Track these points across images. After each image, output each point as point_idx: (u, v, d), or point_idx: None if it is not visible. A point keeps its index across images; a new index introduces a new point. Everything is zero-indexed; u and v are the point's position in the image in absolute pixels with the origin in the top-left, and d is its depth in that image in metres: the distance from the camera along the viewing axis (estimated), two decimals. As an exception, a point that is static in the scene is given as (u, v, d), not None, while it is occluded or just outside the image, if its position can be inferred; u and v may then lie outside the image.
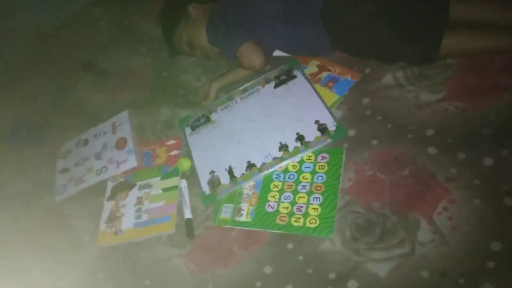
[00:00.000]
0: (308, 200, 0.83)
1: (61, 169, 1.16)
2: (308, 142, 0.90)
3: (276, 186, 0.88)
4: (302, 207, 0.83)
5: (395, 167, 0.81)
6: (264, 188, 0.89)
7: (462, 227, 0.71)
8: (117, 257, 0.95)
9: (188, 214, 0.93)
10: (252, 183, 0.91)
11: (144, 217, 0.97)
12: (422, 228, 0.73)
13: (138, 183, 1.03)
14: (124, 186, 1.04)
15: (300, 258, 0.78)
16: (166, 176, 1.02)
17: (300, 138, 0.91)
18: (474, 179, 0.75)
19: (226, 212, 0.89)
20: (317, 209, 0.81)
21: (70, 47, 1.59)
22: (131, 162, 1.06)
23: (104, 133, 1.17)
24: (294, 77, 1.02)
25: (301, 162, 0.89)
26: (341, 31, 0.97)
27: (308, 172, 0.87)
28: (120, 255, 0.95)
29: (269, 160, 0.91)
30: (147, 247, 0.93)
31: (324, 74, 1.01)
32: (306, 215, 0.81)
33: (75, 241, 1.02)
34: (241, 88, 1.07)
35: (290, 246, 0.80)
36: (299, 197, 0.84)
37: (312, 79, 1.00)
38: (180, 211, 0.95)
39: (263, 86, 1.05)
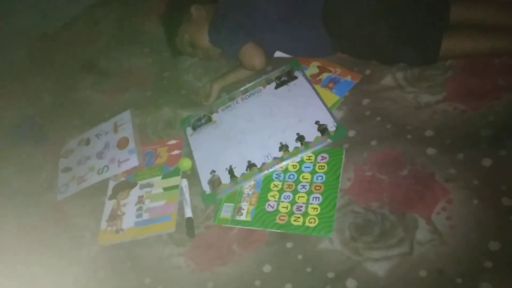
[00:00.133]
0: (308, 199, 0.84)
1: (63, 168, 1.17)
2: (308, 143, 0.91)
3: (276, 186, 0.89)
4: (301, 206, 0.83)
5: (394, 167, 0.82)
6: (264, 187, 0.90)
7: (461, 227, 0.71)
8: (118, 255, 0.95)
9: (188, 213, 0.93)
10: (252, 182, 0.91)
11: (145, 216, 0.97)
12: (421, 227, 0.73)
13: (139, 182, 1.04)
14: (125, 185, 1.05)
15: (299, 257, 0.79)
16: (167, 175, 1.03)
17: (300, 138, 0.92)
18: (472, 179, 0.75)
19: (226, 211, 0.90)
20: (316, 208, 0.82)
21: (73, 47, 1.60)
22: (133, 162, 1.07)
23: (106, 132, 1.18)
24: (295, 78, 1.03)
25: (301, 162, 0.90)
26: (341, 32, 0.98)
27: (308, 172, 0.88)
28: (121, 254, 0.95)
29: (269, 160, 0.92)
30: (147, 245, 0.94)
31: (325, 75, 1.02)
32: (305, 214, 0.82)
33: (76, 240, 1.03)
34: (242, 88, 1.08)
35: (289, 245, 0.81)
36: (299, 196, 0.85)
37: (312, 80, 1.01)
38: (180, 210, 0.96)
39: (264, 87, 1.06)
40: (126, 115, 1.18)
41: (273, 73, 1.07)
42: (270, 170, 0.91)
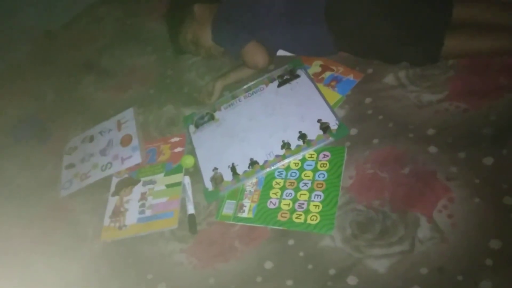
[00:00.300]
0: (310, 197, 0.84)
1: (66, 165, 1.18)
2: (310, 141, 0.91)
3: (278, 183, 0.89)
4: (303, 204, 0.84)
5: (396, 165, 0.82)
6: (266, 185, 0.90)
7: (462, 225, 0.72)
8: (120, 251, 0.96)
9: (191, 210, 0.94)
10: (254, 180, 0.92)
11: (148, 212, 0.98)
12: (422, 225, 0.74)
13: (142, 179, 1.05)
14: (128, 182, 1.06)
15: (301, 254, 0.79)
16: (169, 172, 1.03)
17: (302, 136, 0.92)
18: (474, 178, 0.75)
19: (228, 208, 0.90)
20: (318, 206, 0.82)
21: (75, 45, 1.61)
22: (136, 159, 1.07)
23: (110, 130, 1.18)
24: (298, 76, 1.03)
25: (303, 160, 0.90)
26: (344, 32, 0.98)
27: (309, 170, 0.88)
28: (124, 250, 0.96)
29: (271, 158, 0.92)
30: (150, 242, 0.95)
31: (327, 73, 1.02)
32: (307, 212, 0.83)
33: (79, 236, 1.04)
34: (245, 87, 1.09)
35: (291, 242, 0.81)
36: (301, 194, 0.86)
37: (315, 79, 1.02)
38: (183, 207, 0.96)
39: (266, 85, 1.06)
40: (129, 113, 1.19)
41: (275, 71, 1.07)
42: (272, 167, 0.91)
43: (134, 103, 1.23)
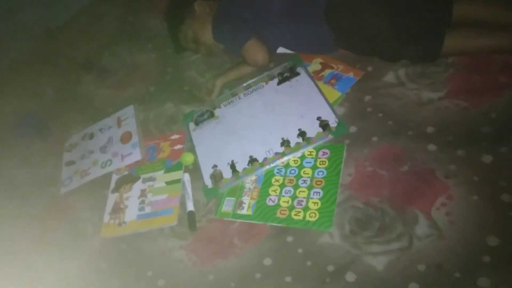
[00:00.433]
0: (309, 194, 0.85)
1: (66, 162, 1.18)
2: (309, 138, 0.91)
3: (277, 181, 0.90)
4: (302, 201, 0.84)
5: (395, 163, 0.82)
6: (266, 182, 0.90)
7: (460, 222, 0.72)
8: (120, 248, 0.96)
9: (190, 207, 0.94)
10: (253, 177, 0.92)
11: (147, 209, 0.99)
12: (420, 223, 0.74)
13: (142, 176, 1.05)
14: (128, 179, 1.06)
15: (300, 251, 0.80)
16: (169, 169, 1.04)
17: (302, 134, 0.93)
18: (472, 175, 0.76)
19: (227, 205, 0.91)
20: (317, 203, 0.83)
21: (76, 42, 1.61)
22: (136, 156, 1.08)
23: (110, 127, 1.19)
24: (297, 74, 1.04)
25: (302, 157, 0.91)
26: (344, 30, 0.98)
27: (309, 167, 0.89)
28: (123, 246, 0.96)
29: (271, 155, 0.93)
30: (149, 238, 0.95)
31: (327, 71, 1.02)
32: (306, 209, 0.83)
33: (79, 232, 1.04)
34: (244, 84, 1.09)
35: (290, 239, 0.82)
36: (300, 191, 0.86)
37: (315, 77, 1.02)
38: (182, 204, 0.96)
39: (266, 83, 1.06)
40: (129, 110, 1.20)
41: (275, 69, 1.07)
42: (272, 165, 0.92)
43: (134, 101, 1.23)
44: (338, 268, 0.75)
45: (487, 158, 0.76)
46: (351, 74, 0.99)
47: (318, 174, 0.87)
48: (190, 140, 1.06)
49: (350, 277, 0.73)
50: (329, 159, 0.88)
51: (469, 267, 0.67)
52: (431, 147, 0.82)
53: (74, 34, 1.66)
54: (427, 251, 0.71)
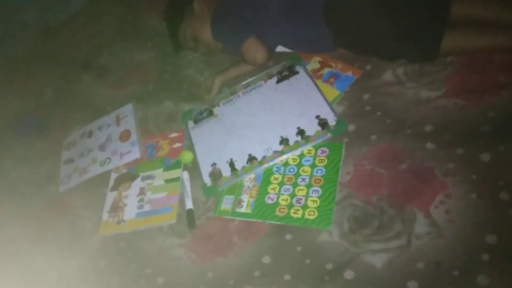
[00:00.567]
0: (307, 192, 0.85)
1: (65, 160, 1.18)
2: (308, 137, 0.92)
3: (276, 179, 0.90)
4: (301, 199, 0.84)
5: (394, 161, 0.82)
6: (265, 180, 0.91)
7: (459, 220, 0.72)
8: (119, 246, 0.96)
9: (189, 205, 0.94)
10: (252, 175, 0.92)
11: (146, 207, 0.98)
12: (419, 221, 0.74)
13: (141, 174, 1.05)
14: (127, 177, 1.06)
15: (298, 249, 0.80)
16: (168, 168, 1.04)
17: (300, 132, 0.93)
18: (471, 174, 0.76)
19: (226, 203, 0.91)
20: (316, 201, 0.83)
21: (75, 41, 1.61)
22: (135, 154, 1.08)
23: (109, 125, 1.19)
24: (296, 72, 1.04)
25: (301, 155, 0.91)
26: (343, 28, 0.98)
27: (308, 166, 0.89)
28: (122, 244, 0.96)
29: (269, 154, 0.93)
30: (148, 236, 0.95)
31: (326, 70, 1.02)
32: (305, 207, 0.83)
33: (78, 230, 1.04)
34: (243, 83, 1.09)
35: (288, 237, 0.82)
36: (299, 189, 0.86)
37: (314, 75, 1.02)
38: (181, 202, 0.96)
39: (265, 81, 1.06)
40: (128, 108, 1.19)
41: (274, 67, 1.08)
42: (271, 163, 0.92)
43: (133, 99, 1.23)
44: (337, 266, 0.75)
45: (486, 157, 0.77)
46: (349, 73, 0.99)
47: (317, 172, 0.87)
48: (189, 138, 1.06)
49: (349, 275, 0.73)
50: (328, 157, 0.88)
51: (468, 265, 0.67)
52: (430, 145, 0.82)
53: (73, 33, 1.66)
54: (426, 249, 0.71)
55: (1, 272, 1.02)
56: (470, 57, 0.90)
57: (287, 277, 0.78)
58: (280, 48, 1.10)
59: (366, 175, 0.83)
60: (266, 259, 0.81)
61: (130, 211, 0.99)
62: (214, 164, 0.97)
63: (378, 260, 0.73)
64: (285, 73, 1.05)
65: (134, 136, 1.11)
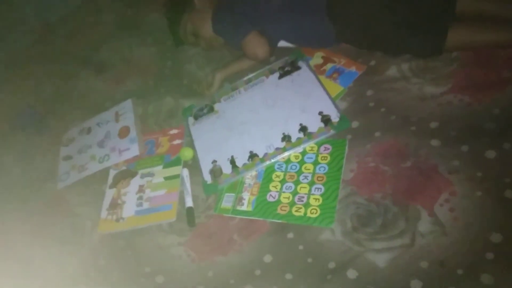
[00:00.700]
0: (310, 190, 0.83)
1: (64, 157, 1.17)
2: (311, 133, 0.90)
3: (278, 176, 0.88)
4: (303, 197, 0.83)
5: (398, 158, 0.81)
6: (266, 178, 0.89)
7: (463, 218, 0.71)
8: (118, 244, 0.95)
9: (189, 203, 0.93)
10: (254, 173, 0.91)
11: (146, 205, 0.97)
12: (423, 219, 0.73)
13: (140, 171, 1.04)
14: (126, 174, 1.05)
15: (300, 247, 0.79)
16: (168, 165, 1.02)
17: (303, 129, 0.91)
18: (476, 171, 0.74)
19: (227, 201, 0.89)
20: (318, 199, 0.82)
21: (75, 36, 1.59)
22: (134, 151, 1.06)
23: (107, 121, 1.17)
24: (299, 68, 1.02)
25: (304, 152, 0.89)
26: (346, 23, 0.97)
27: (310, 163, 0.87)
28: (121, 242, 0.95)
29: (271, 151, 0.91)
30: (148, 234, 0.94)
31: (329, 65, 1.01)
32: (307, 205, 0.82)
33: (77, 228, 1.03)
34: (245, 78, 1.07)
35: (290, 235, 0.81)
36: (301, 187, 0.85)
37: (316, 71, 1.00)
38: (181, 199, 0.95)
39: (267, 77, 1.05)
40: (127, 104, 1.18)
41: (276, 63, 1.06)
42: (272, 160, 0.90)
43: (133, 95, 1.22)
44: (340, 265, 0.74)
45: (491, 154, 0.75)
46: (353, 68, 0.98)
47: (319, 170, 0.85)
48: (189, 135, 1.05)
49: (351, 274, 0.72)
50: (330, 154, 0.87)
51: (472, 264, 0.66)
52: (434, 142, 0.80)
53: (72, 28, 1.64)
54: (430, 247, 0.70)
55: (0, 269, 1.01)
56: (475, 53, 0.89)
57: (288, 276, 0.77)
58: (282, 43, 1.08)
59: (369, 172, 0.82)
60: (267, 258, 0.80)
61: (129, 209, 0.98)
62: (215, 161, 0.96)
63: (381, 259, 0.72)
64: (287, 68, 1.03)
65: (133, 133, 1.10)
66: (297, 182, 0.86)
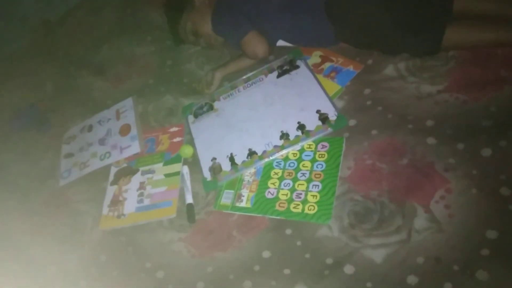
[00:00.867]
0: (307, 187, 0.84)
1: (65, 154, 1.18)
2: (309, 131, 0.91)
3: (276, 174, 0.89)
4: (301, 194, 0.84)
5: (394, 156, 0.82)
6: (265, 175, 0.90)
7: (459, 215, 0.72)
8: (119, 240, 0.96)
9: (189, 199, 0.94)
10: (253, 170, 0.92)
11: (146, 201, 0.98)
12: (419, 216, 0.74)
13: (141, 168, 1.05)
14: (127, 171, 1.06)
15: (298, 243, 0.80)
16: (168, 162, 1.03)
17: (301, 127, 0.92)
18: (472, 169, 0.76)
19: (226, 198, 0.90)
20: (316, 196, 0.83)
21: (75, 34, 1.60)
22: (135, 148, 1.07)
23: (108, 119, 1.18)
24: (297, 67, 1.03)
25: (302, 150, 0.91)
26: (344, 22, 0.98)
27: (308, 160, 0.88)
28: (122, 239, 0.96)
29: (270, 148, 0.92)
30: (148, 231, 0.95)
31: (327, 64, 1.02)
32: (305, 201, 0.83)
33: (78, 225, 1.04)
34: (244, 77, 1.08)
35: (288, 231, 0.82)
36: (299, 184, 0.86)
37: (314, 70, 1.01)
38: (181, 196, 0.96)
39: (266, 76, 1.06)
40: (128, 102, 1.19)
41: (275, 62, 1.07)
42: (271, 158, 0.91)
43: (133, 93, 1.23)
44: (337, 260, 0.75)
45: (487, 152, 0.76)
46: (351, 67, 0.99)
47: (317, 167, 0.86)
48: (189, 132, 1.06)
49: (348, 269, 0.73)
50: (328, 152, 0.88)
51: (468, 260, 0.67)
52: (431, 140, 0.81)
53: (73, 27, 1.65)
54: (426, 244, 0.71)
55: (1, 266, 1.02)
56: (472, 52, 0.90)
57: (287, 271, 0.78)
58: (281, 43, 1.09)
59: (366, 170, 0.83)
60: (266, 254, 0.81)
61: (130, 205, 0.99)
62: (214, 158, 0.97)
63: (378, 255, 0.73)
64: (286, 67, 1.04)
65: (134, 130, 1.11)
66: (295, 179, 0.87)
